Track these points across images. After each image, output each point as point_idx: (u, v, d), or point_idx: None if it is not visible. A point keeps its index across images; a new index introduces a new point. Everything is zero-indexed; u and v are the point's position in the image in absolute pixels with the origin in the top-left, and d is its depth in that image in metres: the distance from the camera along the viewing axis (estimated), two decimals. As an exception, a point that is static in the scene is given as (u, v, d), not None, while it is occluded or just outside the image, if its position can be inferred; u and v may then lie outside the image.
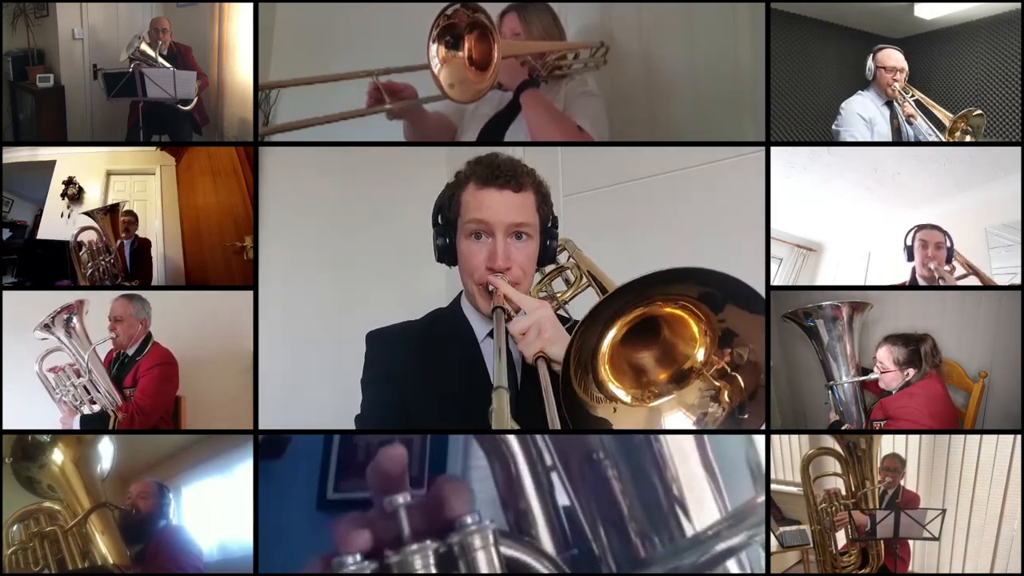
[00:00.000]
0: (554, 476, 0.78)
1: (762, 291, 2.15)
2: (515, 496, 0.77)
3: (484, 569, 0.63)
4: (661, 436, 0.74)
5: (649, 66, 2.53)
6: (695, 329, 1.12)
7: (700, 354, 1.13)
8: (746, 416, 1.10)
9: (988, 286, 2.35)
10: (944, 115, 2.38)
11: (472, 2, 1.78)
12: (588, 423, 1.10)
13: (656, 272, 0.99)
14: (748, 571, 0.73)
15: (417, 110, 2.12)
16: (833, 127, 2.52)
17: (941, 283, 2.35)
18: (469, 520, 0.65)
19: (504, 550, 0.65)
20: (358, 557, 0.64)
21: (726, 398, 1.11)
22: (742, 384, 1.10)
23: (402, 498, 0.64)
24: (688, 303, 1.09)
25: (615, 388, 1.14)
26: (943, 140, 2.38)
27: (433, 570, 0.61)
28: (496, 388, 1.12)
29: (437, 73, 1.87)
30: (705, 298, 1.06)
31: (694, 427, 1.12)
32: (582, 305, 1.59)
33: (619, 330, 1.11)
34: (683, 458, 0.74)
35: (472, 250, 1.55)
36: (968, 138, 2.34)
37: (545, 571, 0.66)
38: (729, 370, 1.10)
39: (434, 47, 1.85)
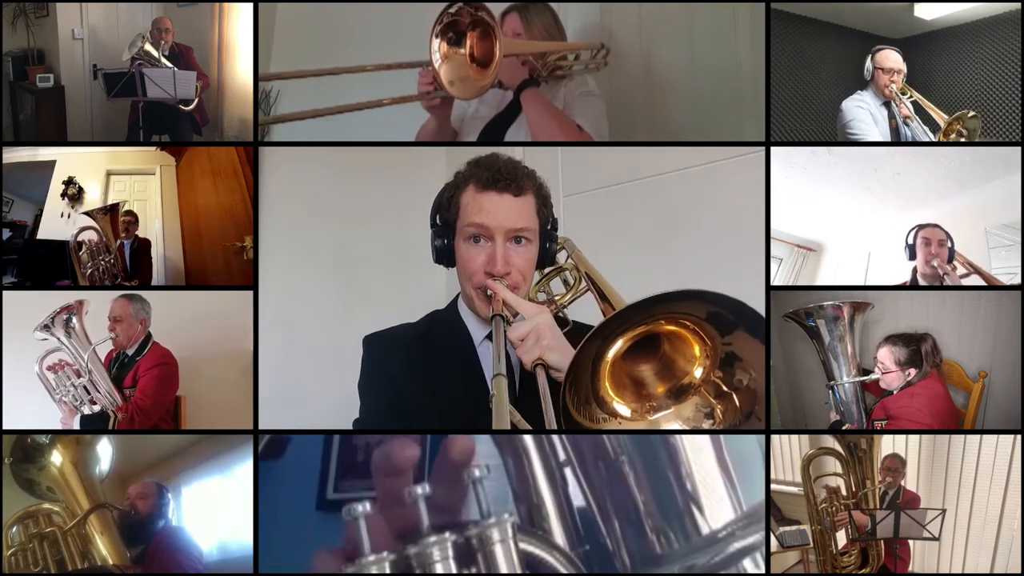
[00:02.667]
0: (568, 471, 0.78)
1: (762, 291, 2.17)
2: (528, 490, 0.77)
3: (502, 562, 0.62)
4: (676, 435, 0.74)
5: (649, 66, 2.53)
6: (696, 348, 1.12)
7: (698, 372, 1.13)
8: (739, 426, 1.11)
9: (989, 286, 2.35)
10: (940, 116, 2.38)
11: (476, 1, 1.78)
12: None
13: (666, 292, 0.98)
14: (763, 571, 0.73)
15: (447, 107, 2.11)
16: (839, 125, 2.52)
17: (944, 281, 2.35)
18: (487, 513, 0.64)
19: (521, 545, 0.64)
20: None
21: (719, 414, 1.12)
22: (737, 404, 1.10)
23: (420, 489, 0.64)
24: (690, 322, 1.08)
25: (617, 404, 1.14)
26: (938, 142, 2.38)
27: (452, 562, 0.61)
28: (496, 376, 1.11)
29: (438, 69, 1.86)
30: (714, 319, 1.06)
31: None
32: (578, 306, 1.60)
33: (623, 345, 1.11)
34: (698, 456, 0.73)
35: (471, 254, 1.53)
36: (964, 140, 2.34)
37: (563, 569, 0.66)
38: (725, 388, 1.11)
39: (436, 43, 1.84)
